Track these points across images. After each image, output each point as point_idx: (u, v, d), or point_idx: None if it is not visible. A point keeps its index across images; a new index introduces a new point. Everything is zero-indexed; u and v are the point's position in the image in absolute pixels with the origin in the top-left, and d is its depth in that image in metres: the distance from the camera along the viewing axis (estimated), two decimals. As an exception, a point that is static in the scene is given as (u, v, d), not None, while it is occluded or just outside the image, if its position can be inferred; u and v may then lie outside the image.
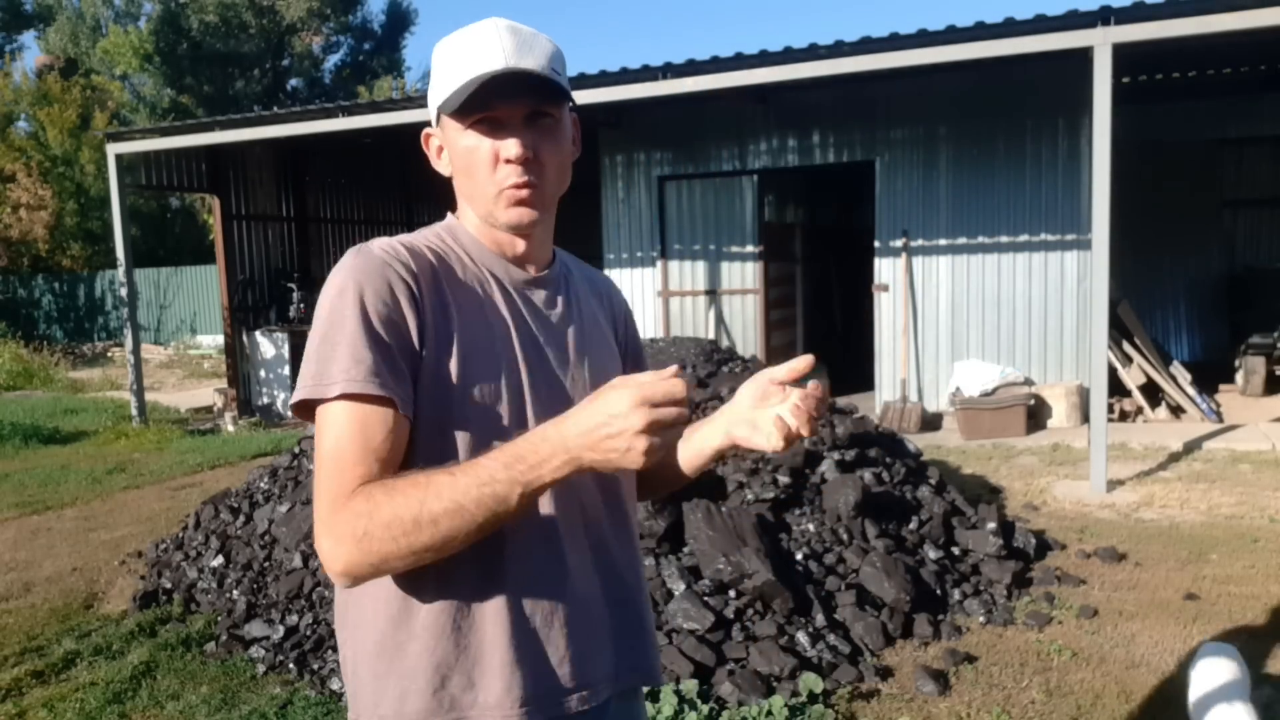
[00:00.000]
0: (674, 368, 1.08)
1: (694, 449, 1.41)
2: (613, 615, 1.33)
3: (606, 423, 1.04)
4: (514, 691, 1.21)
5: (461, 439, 1.21)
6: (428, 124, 1.37)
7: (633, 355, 1.52)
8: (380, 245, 1.24)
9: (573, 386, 1.33)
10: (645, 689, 1.41)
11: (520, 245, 1.33)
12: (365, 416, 1.15)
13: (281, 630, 4.00)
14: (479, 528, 1.10)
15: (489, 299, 1.29)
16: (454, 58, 1.25)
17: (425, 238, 1.31)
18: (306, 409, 1.19)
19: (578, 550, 1.29)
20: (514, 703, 1.21)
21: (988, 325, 9.15)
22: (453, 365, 1.21)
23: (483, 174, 1.27)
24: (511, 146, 1.24)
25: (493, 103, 1.23)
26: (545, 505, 1.26)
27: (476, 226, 1.33)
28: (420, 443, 1.20)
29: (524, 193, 1.26)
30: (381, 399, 1.15)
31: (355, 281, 1.18)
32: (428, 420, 1.20)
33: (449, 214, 1.39)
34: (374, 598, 1.22)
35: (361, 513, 1.10)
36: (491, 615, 1.22)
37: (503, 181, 1.25)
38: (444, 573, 1.19)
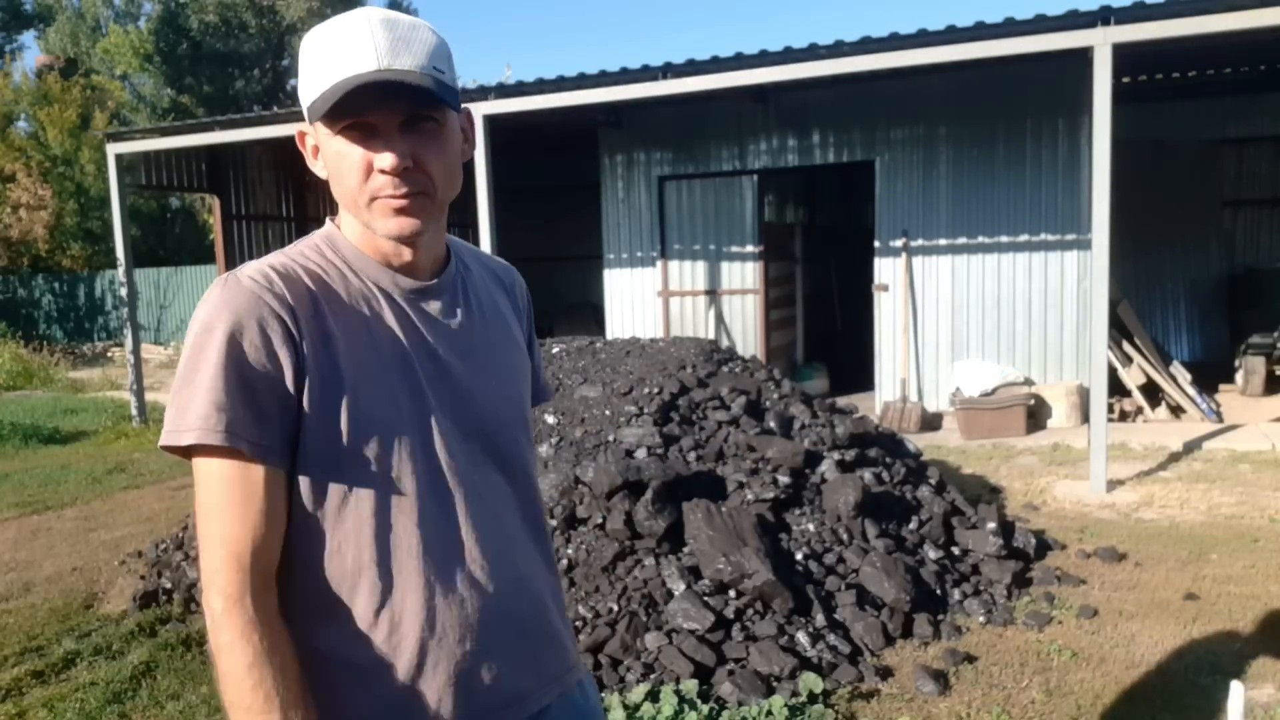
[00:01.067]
0: None
1: None
2: (531, 622, 1.32)
3: None
4: None
5: (359, 474, 1.15)
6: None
7: (530, 347, 1.47)
8: (251, 274, 1.14)
9: (486, 395, 1.28)
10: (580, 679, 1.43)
11: (406, 254, 1.23)
12: (234, 470, 1.10)
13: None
14: None
15: (376, 317, 1.20)
16: (322, 54, 1.13)
17: (303, 254, 1.21)
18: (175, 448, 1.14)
19: (502, 567, 1.27)
20: None
21: (988, 325, 9.15)
22: (340, 399, 1.13)
23: (354, 182, 1.16)
24: (385, 159, 1.13)
25: (363, 109, 1.12)
26: (467, 527, 1.23)
27: (358, 234, 1.23)
28: (315, 483, 1.15)
29: (404, 202, 1.15)
30: (239, 453, 1.09)
31: (222, 319, 1.10)
32: (319, 461, 1.14)
33: (328, 219, 1.28)
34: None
35: (248, 632, 1.09)
36: (433, 665, 1.19)
37: (377, 191, 1.15)
38: (386, 641, 1.17)
